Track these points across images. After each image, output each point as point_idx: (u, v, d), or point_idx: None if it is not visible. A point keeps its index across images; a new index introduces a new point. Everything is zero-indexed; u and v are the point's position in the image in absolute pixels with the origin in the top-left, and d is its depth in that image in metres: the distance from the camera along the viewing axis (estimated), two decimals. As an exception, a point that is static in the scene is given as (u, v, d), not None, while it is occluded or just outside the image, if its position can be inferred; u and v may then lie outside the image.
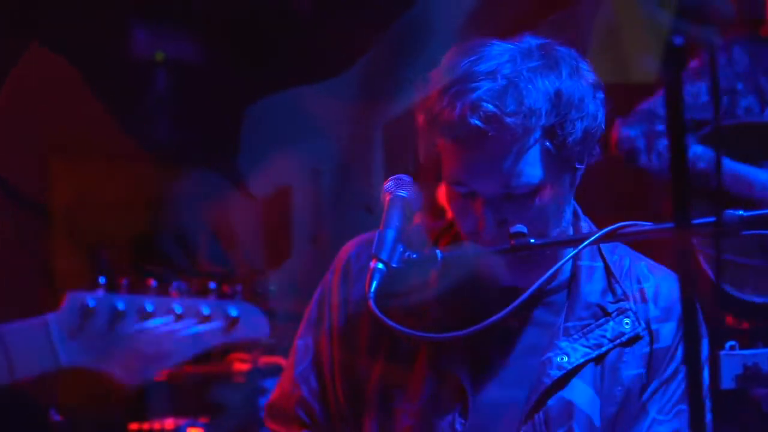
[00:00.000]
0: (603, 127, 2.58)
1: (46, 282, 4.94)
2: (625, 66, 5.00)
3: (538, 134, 2.50)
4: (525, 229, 2.61)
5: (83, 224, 5.01)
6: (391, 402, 2.61)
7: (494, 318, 2.51)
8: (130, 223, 5.12)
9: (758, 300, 4.25)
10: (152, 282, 1.91)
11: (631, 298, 2.63)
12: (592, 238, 2.47)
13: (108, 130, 5.07)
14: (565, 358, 2.57)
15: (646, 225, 2.47)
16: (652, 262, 2.71)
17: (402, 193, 2.54)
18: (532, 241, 2.51)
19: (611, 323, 2.60)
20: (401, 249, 2.49)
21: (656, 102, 4.46)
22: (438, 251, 2.54)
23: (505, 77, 2.47)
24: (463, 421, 2.56)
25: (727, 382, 3.47)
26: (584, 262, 2.66)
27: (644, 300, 2.64)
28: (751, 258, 4.27)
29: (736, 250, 4.29)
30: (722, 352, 3.40)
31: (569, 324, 2.61)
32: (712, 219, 2.38)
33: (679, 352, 2.62)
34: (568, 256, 2.53)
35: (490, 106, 2.44)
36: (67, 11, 4.93)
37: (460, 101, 2.45)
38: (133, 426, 4.54)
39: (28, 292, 4.90)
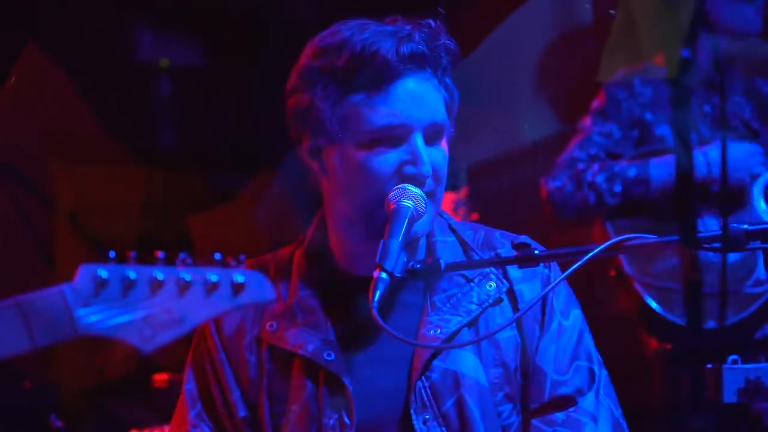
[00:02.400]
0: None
1: (49, 262, 4.95)
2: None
3: (440, 79, 2.61)
4: (529, 240, 2.65)
5: (86, 227, 5.01)
6: (279, 416, 2.63)
7: (498, 329, 2.60)
8: (132, 226, 5.13)
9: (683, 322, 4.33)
10: (159, 254, 1.99)
11: None
12: (596, 250, 2.47)
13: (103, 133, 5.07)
14: (439, 331, 2.61)
15: (651, 237, 2.47)
16: (505, 232, 2.79)
17: (407, 203, 2.54)
18: (537, 252, 2.52)
19: (476, 289, 2.67)
20: (405, 259, 2.49)
21: (573, 149, 4.61)
22: (442, 261, 2.54)
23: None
24: (348, 413, 2.58)
25: (729, 396, 3.47)
26: (438, 238, 2.72)
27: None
28: (677, 283, 4.38)
29: (666, 276, 4.40)
30: (725, 366, 3.39)
31: (435, 298, 2.66)
32: (717, 232, 2.38)
33: (557, 309, 2.69)
34: (574, 267, 2.50)
35: (425, 35, 2.58)
36: (69, 15, 4.93)
37: (393, 38, 2.56)
38: (134, 432, 4.54)
39: (31, 271, 4.91)
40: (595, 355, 2.71)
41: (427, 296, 2.67)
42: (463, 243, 2.74)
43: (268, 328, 2.66)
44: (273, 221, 5.07)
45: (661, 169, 4.44)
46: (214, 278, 2.00)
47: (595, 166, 4.49)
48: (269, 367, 2.65)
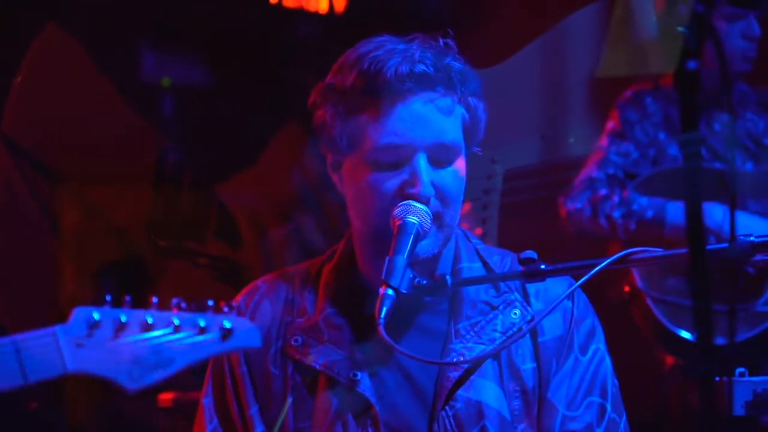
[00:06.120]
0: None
1: (54, 231, 4.98)
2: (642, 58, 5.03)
3: (457, 98, 2.59)
4: (535, 255, 2.63)
5: (89, 247, 5.02)
6: None
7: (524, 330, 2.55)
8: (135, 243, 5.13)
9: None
10: (153, 299, 2.07)
11: (515, 291, 2.67)
12: (603, 264, 2.46)
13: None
14: (462, 359, 2.59)
15: (658, 251, 2.47)
16: None
17: (412, 219, 2.53)
18: (543, 266, 2.51)
19: (500, 317, 2.64)
20: (411, 275, 2.48)
21: (591, 169, 4.58)
22: (448, 277, 2.54)
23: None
24: None
25: (737, 409, 3.46)
26: (464, 264, 2.69)
27: (526, 296, 2.68)
28: (686, 298, 4.38)
29: (676, 292, 4.38)
30: (733, 379, 3.39)
31: (459, 325, 2.63)
32: (725, 245, 2.38)
33: (576, 344, 2.66)
34: (577, 285, 2.52)
35: (430, 54, 2.57)
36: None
37: (398, 57, 2.55)
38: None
39: (41, 249, 4.94)
40: (612, 391, 2.68)
41: (452, 323, 2.64)
42: (488, 268, 2.71)
43: (292, 342, 2.65)
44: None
45: (678, 212, 4.41)
46: (202, 323, 2.07)
47: (615, 198, 4.47)
48: (294, 382, 2.64)
